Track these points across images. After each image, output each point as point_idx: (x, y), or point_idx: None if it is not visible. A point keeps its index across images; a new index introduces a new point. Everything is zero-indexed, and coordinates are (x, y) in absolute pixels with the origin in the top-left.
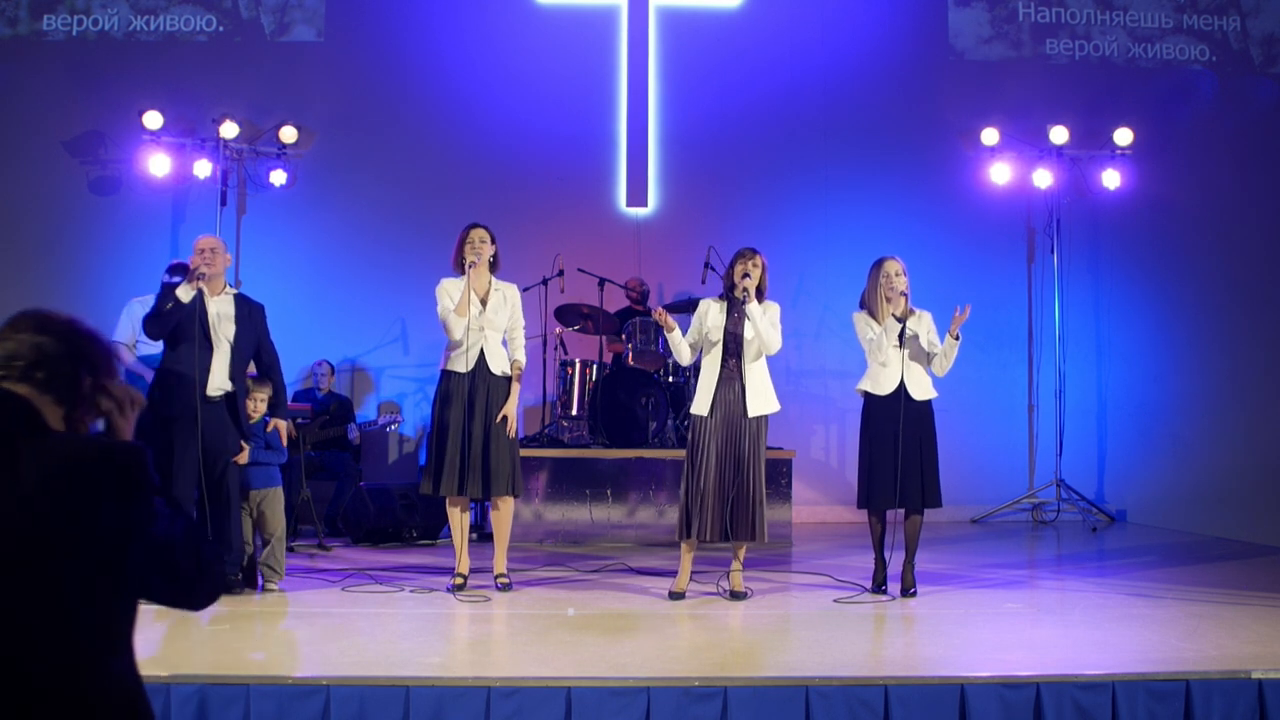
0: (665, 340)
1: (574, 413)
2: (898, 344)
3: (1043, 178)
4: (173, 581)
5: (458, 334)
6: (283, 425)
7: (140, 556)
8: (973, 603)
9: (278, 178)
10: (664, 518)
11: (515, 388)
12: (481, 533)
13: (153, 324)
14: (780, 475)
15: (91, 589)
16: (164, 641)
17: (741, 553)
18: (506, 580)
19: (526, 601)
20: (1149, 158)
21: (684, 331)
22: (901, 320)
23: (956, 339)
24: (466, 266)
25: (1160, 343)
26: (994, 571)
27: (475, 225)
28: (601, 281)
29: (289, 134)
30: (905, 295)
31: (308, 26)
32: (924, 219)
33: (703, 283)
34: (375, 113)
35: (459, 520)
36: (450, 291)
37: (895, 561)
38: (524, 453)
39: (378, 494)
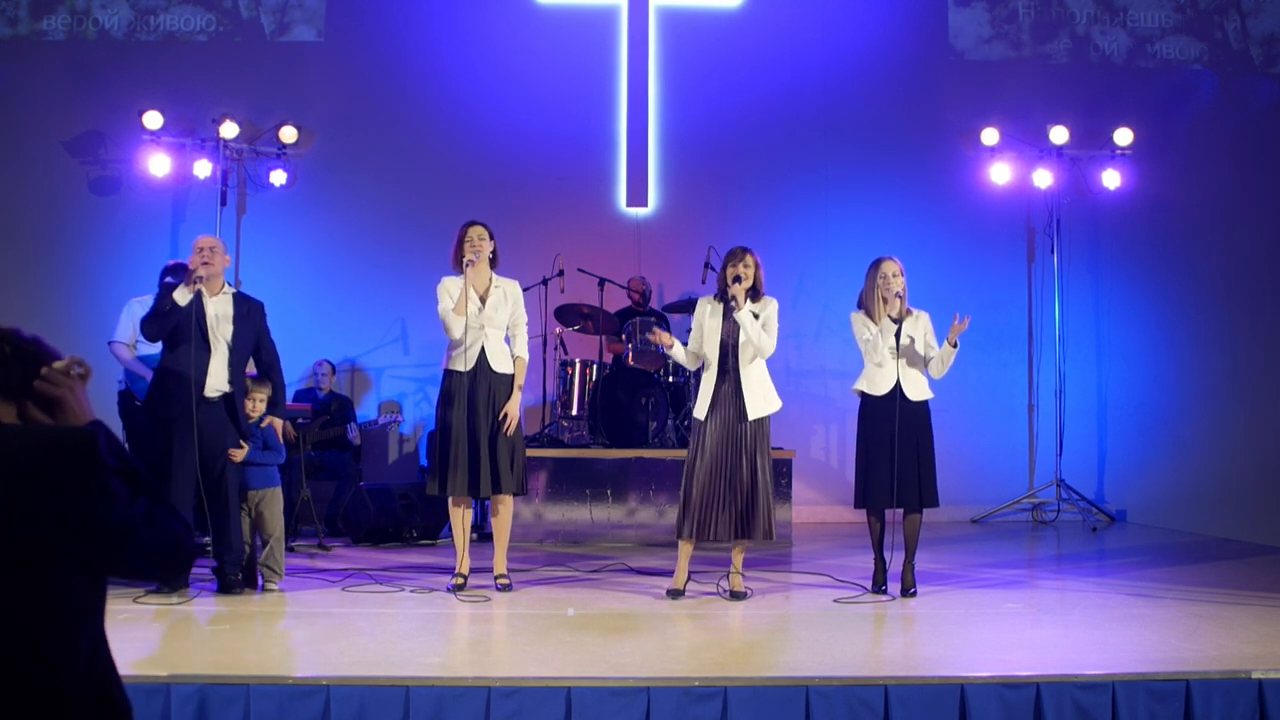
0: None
1: (574, 413)
2: (894, 345)
3: (1043, 178)
4: (136, 558)
5: (456, 333)
6: (279, 423)
7: (100, 538)
8: (973, 603)
9: (278, 178)
10: (664, 518)
11: (518, 385)
12: (482, 533)
13: (150, 326)
14: (780, 475)
15: (54, 575)
16: (164, 641)
17: (741, 553)
18: (506, 580)
19: (526, 601)
20: (1149, 158)
21: (685, 339)
22: (898, 321)
23: (954, 347)
24: (464, 263)
25: (1160, 343)
26: (994, 571)
27: (473, 223)
28: (601, 281)
29: (289, 134)
30: (901, 297)
31: (308, 26)
32: (924, 219)
33: (703, 282)
34: (375, 113)
35: (461, 520)
36: (450, 290)
37: (895, 561)
38: (525, 452)
39: (378, 494)
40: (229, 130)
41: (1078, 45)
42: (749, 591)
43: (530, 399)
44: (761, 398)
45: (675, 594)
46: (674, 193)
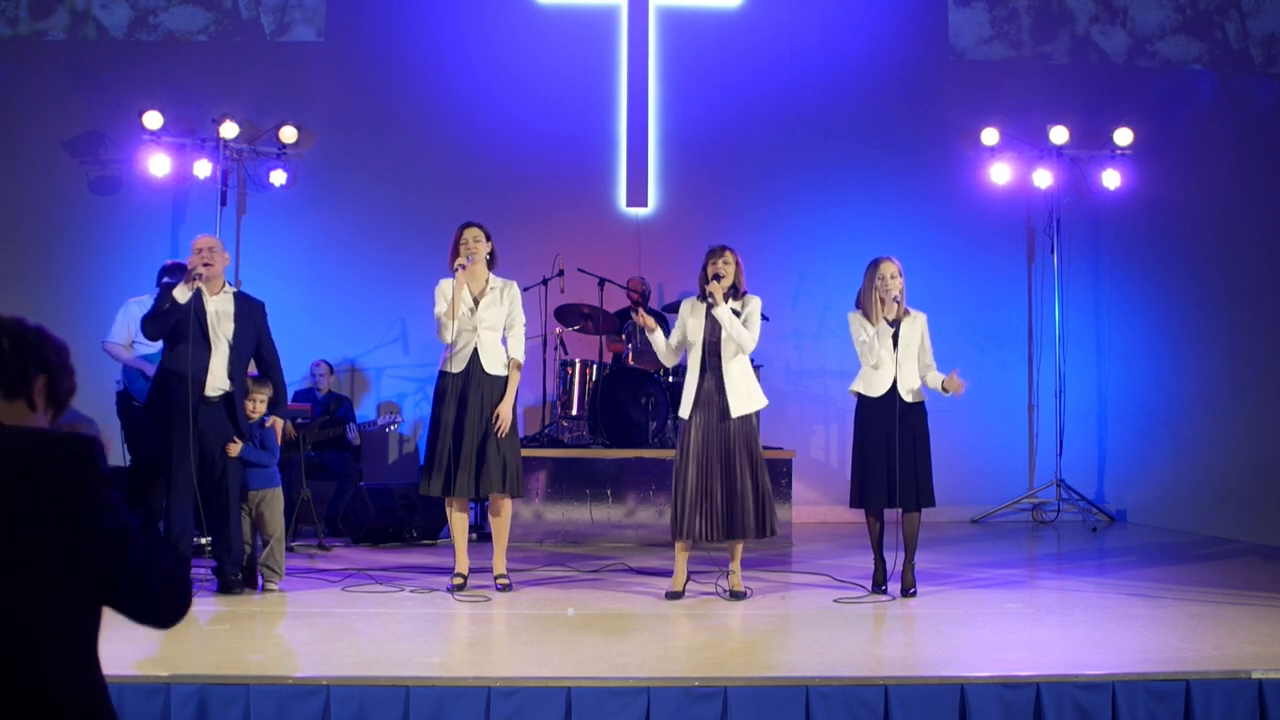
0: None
1: (574, 413)
2: (891, 347)
3: (1043, 178)
4: (128, 582)
5: (446, 336)
6: (279, 423)
7: (95, 542)
8: (973, 603)
9: (278, 178)
10: (664, 518)
11: (511, 386)
12: (481, 533)
13: (151, 324)
14: (780, 475)
15: (44, 583)
16: (164, 641)
17: (739, 552)
18: (506, 580)
19: (526, 601)
20: (1149, 158)
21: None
22: (895, 324)
23: (944, 392)
24: (455, 266)
25: (1160, 343)
26: (994, 571)
27: (469, 224)
28: (601, 281)
29: (289, 134)
30: (899, 300)
31: (308, 26)
32: (924, 219)
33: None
34: (375, 113)
35: (459, 520)
36: (445, 293)
37: (894, 561)
38: (524, 453)
39: (378, 494)
40: (229, 130)
41: (1078, 45)
42: (748, 591)
43: (530, 399)
44: (744, 394)
45: (674, 595)
46: (674, 193)
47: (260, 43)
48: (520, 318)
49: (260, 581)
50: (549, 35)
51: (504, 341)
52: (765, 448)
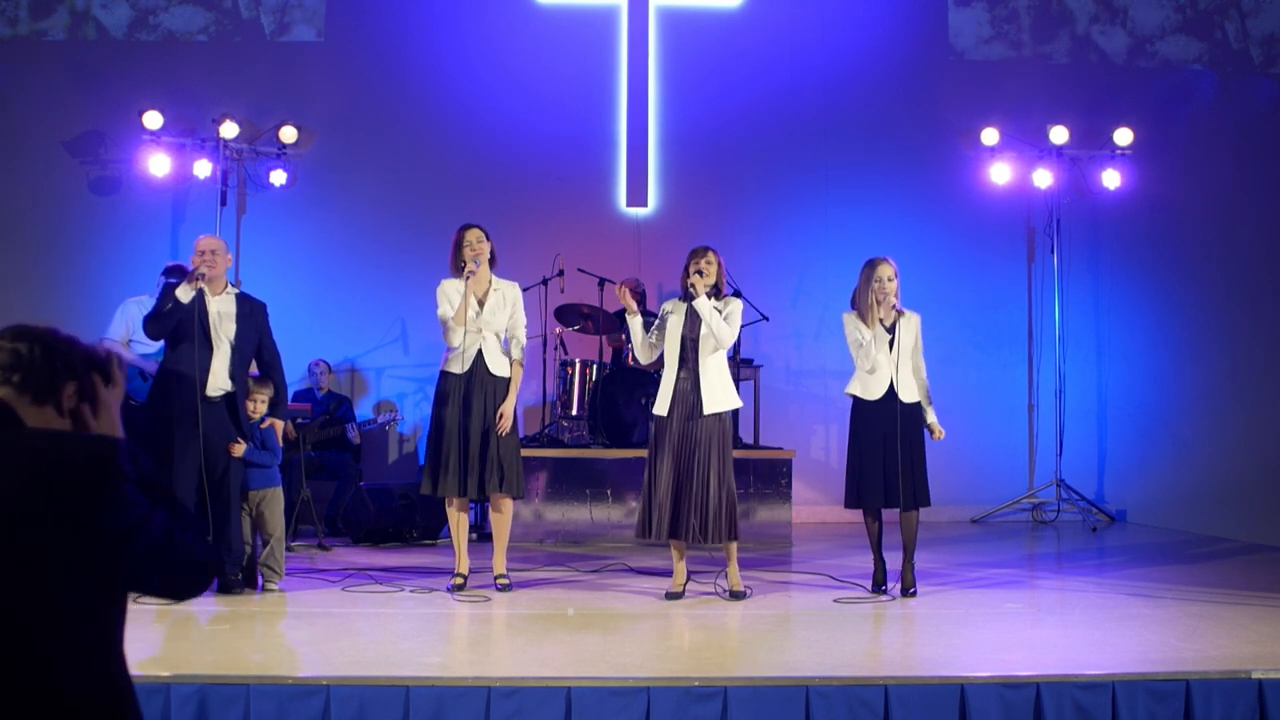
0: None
1: (574, 413)
2: (888, 350)
3: (1043, 178)
4: (155, 570)
5: (455, 340)
6: (279, 424)
7: (116, 547)
8: (973, 603)
9: (278, 178)
10: None
11: (514, 387)
12: (481, 533)
13: (152, 324)
14: (780, 475)
15: (69, 583)
16: (164, 641)
17: (733, 552)
18: (506, 581)
19: (526, 601)
20: (1149, 158)
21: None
22: (891, 331)
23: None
24: (465, 274)
25: (1160, 343)
26: (994, 571)
27: (469, 226)
28: (601, 281)
29: (289, 134)
30: (895, 304)
31: (308, 26)
32: (924, 219)
33: None
34: (375, 113)
35: (458, 520)
36: (449, 294)
37: (894, 560)
38: (524, 453)
39: (378, 494)
40: (229, 130)
41: (1078, 45)
42: (748, 590)
43: (530, 399)
44: (720, 391)
45: (674, 596)
46: (674, 193)
47: (260, 43)
48: (522, 318)
49: (260, 581)
50: (549, 35)
51: (505, 342)
52: (765, 448)
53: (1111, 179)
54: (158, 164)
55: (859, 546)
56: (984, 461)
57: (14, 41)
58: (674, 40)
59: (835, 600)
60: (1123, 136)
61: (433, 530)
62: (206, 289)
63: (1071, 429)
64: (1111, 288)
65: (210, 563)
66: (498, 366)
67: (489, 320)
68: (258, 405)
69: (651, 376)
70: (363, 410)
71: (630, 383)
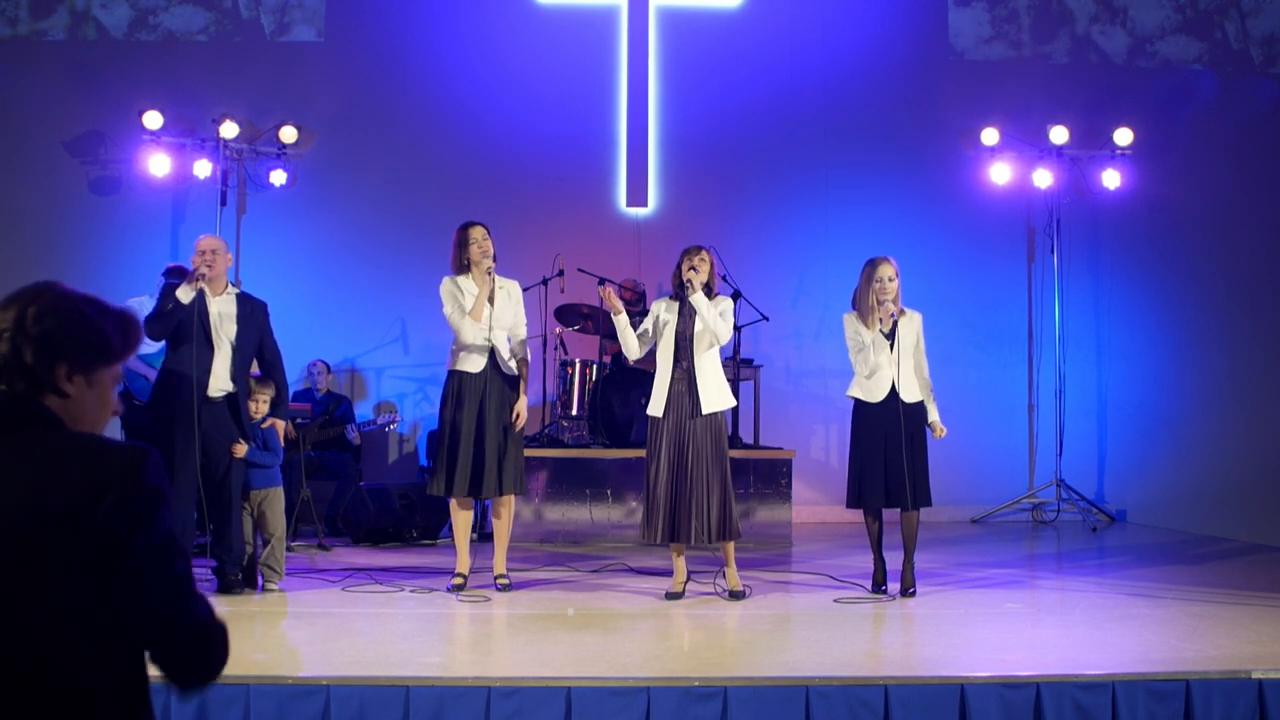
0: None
1: (574, 413)
2: (889, 351)
3: (1043, 178)
4: (158, 609)
5: (468, 337)
6: (280, 424)
7: (134, 560)
8: (973, 603)
9: (278, 178)
10: None
11: (524, 385)
12: (482, 533)
13: (153, 325)
14: (780, 475)
15: (93, 593)
16: None
17: (731, 551)
18: (506, 580)
19: (526, 601)
20: (1149, 158)
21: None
22: (890, 335)
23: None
24: (484, 271)
25: (1160, 343)
26: (994, 571)
27: (473, 224)
28: (601, 281)
29: (289, 134)
30: (895, 309)
31: (308, 26)
32: (924, 219)
33: None
34: (375, 113)
35: (462, 520)
36: (454, 292)
37: (894, 560)
38: (524, 452)
39: (378, 494)
40: (229, 130)
41: (1078, 45)
42: (748, 590)
43: (530, 399)
44: (716, 390)
45: (674, 596)
46: (674, 193)
47: (260, 43)
48: (524, 317)
49: (260, 581)
50: (549, 35)
51: (507, 340)
52: (765, 448)
53: (1111, 179)
54: (158, 164)
55: (859, 546)
56: (984, 461)
57: (14, 41)
58: (674, 40)
59: (835, 600)
60: (1123, 136)
61: (433, 530)
62: (207, 289)
63: (1071, 429)
64: (1111, 288)
65: (217, 633)
66: (509, 365)
67: (499, 318)
68: (259, 405)
69: (652, 376)
70: (363, 410)
71: (630, 383)
